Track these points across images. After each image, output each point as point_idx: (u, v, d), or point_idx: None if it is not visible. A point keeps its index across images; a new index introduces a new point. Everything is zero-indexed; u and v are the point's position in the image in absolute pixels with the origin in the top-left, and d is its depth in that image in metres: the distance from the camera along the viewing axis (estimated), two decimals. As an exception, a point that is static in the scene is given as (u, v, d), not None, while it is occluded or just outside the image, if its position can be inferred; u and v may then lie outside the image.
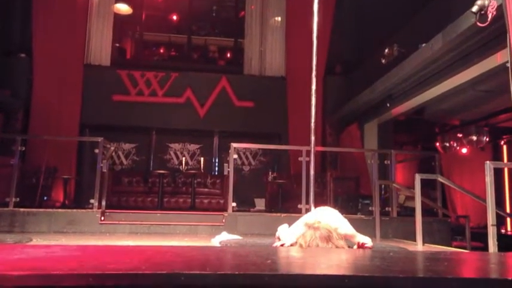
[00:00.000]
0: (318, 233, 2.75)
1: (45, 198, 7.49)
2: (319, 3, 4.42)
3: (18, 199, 6.12)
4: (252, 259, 1.80)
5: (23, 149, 6.64)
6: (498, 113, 8.21)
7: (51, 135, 8.29)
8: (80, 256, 1.84)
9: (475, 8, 4.31)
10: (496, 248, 3.78)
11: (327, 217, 3.07)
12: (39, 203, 6.87)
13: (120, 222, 6.18)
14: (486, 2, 4.21)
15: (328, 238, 2.74)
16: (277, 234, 3.64)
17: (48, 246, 2.93)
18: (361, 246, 3.28)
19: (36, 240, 4.53)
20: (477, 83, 5.98)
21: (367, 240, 3.12)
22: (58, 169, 7.96)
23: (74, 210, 6.24)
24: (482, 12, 4.27)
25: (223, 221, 6.21)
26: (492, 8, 4.15)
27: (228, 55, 11.79)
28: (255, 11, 10.41)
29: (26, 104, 8.92)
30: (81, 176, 8.91)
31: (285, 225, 3.86)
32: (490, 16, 4.20)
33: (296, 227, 3.23)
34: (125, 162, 9.94)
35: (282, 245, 3.18)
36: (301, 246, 2.80)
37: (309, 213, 3.67)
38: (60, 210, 6.30)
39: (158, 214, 6.61)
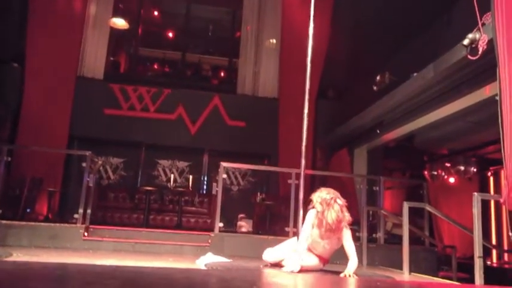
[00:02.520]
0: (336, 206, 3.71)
1: (28, 210, 7.33)
2: (314, 28, 4.49)
3: (0, 211, 5.97)
4: (237, 284, 1.77)
5: (9, 159, 6.51)
6: (486, 144, 8.32)
7: (39, 146, 8.17)
8: (60, 276, 1.78)
9: (466, 41, 4.41)
10: (483, 281, 3.76)
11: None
12: (21, 216, 6.71)
13: (104, 239, 6.05)
14: (477, 36, 4.31)
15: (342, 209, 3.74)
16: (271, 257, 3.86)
17: (29, 263, 2.85)
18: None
19: (17, 255, 4.39)
20: (466, 114, 6.07)
21: None
22: (43, 181, 7.82)
23: (57, 224, 6.10)
24: (473, 45, 4.36)
25: (209, 241, 6.11)
26: (483, 42, 4.24)
27: (222, 74, 11.86)
28: (250, 32, 10.53)
29: (15, 113, 8.82)
30: (66, 189, 8.75)
31: (269, 249, 4.01)
32: (480, 50, 4.29)
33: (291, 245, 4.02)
34: (112, 176, 9.82)
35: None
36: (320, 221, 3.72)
37: (289, 240, 3.88)
38: (42, 224, 6.15)
39: (143, 232, 6.50)
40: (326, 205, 3.73)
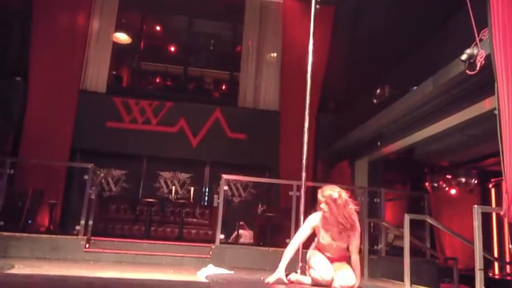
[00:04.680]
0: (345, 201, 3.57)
1: (29, 222, 7.34)
2: (314, 42, 4.56)
3: (2, 222, 6.00)
4: (239, 297, 1.79)
5: (12, 171, 6.55)
6: (487, 157, 8.34)
7: (41, 159, 8.22)
8: (64, 288, 1.81)
9: (464, 57, 4.47)
10: (484, 293, 3.76)
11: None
12: (23, 227, 6.72)
13: (105, 251, 6.06)
14: (475, 51, 4.37)
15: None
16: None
17: (31, 275, 2.87)
18: None
19: (19, 267, 4.40)
20: (466, 127, 6.12)
21: None
22: (45, 193, 7.85)
23: (59, 236, 6.11)
24: (471, 60, 4.42)
25: (210, 253, 6.12)
26: (481, 57, 4.31)
27: (223, 87, 11.95)
28: (251, 47, 10.64)
29: (18, 126, 8.88)
30: (68, 201, 8.77)
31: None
32: (478, 65, 4.35)
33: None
34: (113, 188, 9.84)
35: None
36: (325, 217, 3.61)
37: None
38: (44, 235, 6.17)
39: (144, 244, 6.50)
40: (334, 203, 3.56)
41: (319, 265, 3.64)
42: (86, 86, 9.83)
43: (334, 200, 3.54)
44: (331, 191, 3.61)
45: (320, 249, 3.79)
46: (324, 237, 3.69)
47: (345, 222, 3.53)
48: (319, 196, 3.67)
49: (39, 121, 8.92)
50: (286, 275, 3.77)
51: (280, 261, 3.67)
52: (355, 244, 3.65)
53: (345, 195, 3.62)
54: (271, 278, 3.61)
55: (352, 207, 3.62)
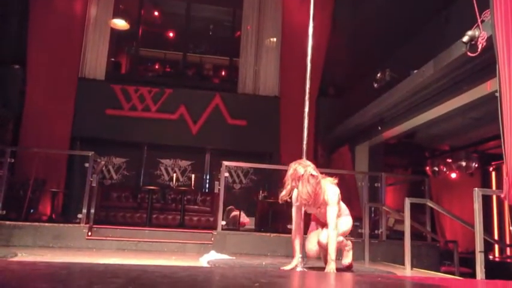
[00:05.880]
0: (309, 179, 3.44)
1: (31, 211, 7.38)
2: (314, 26, 4.51)
3: (4, 212, 6.02)
4: (240, 281, 1.80)
5: (12, 160, 6.56)
6: (487, 140, 8.33)
7: (41, 147, 8.22)
8: (65, 275, 1.81)
9: (465, 38, 4.42)
10: (484, 275, 3.79)
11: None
12: (25, 216, 6.76)
13: (107, 238, 6.10)
14: (476, 33, 4.32)
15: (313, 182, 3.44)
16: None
17: (34, 263, 2.89)
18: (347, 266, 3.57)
19: (22, 255, 4.44)
20: (467, 110, 6.09)
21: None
22: (47, 182, 7.87)
23: (61, 224, 6.15)
24: (473, 42, 4.37)
25: (212, 239, 6.16)
26: (482, 39, 4.26)
27: (223, 73, 11.88)
28: (251, 32, 10.54)
29: (18, 115, 8.87)
30: (69, 189, 8.81)
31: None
32: (480, 47, 4.30)
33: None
34: (114, 176, 9.87)
35: None
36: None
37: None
38: (46, 224, 6.20)
39: (146, 231, 6.54)
40: (296, 181, 3.45)
41: (307, 242, 3.79)
42: (85, 73, 9.78)
43: (299, 177, 3.45)
44: (297, 168, 3.49)
45: (314, 219, 3.92)
46: (308, 209, 3.74)
47: (307, 197, 3.43)
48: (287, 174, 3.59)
49: (38, 109, 8.90)
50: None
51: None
52: (328, 217, 3.57)
53: (310, 170, 3.47)
54: (287, 267, 3.67)
55: (312, 182, 3.44)
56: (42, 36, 9.13)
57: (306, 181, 3.43)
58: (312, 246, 3.73)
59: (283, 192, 3.55)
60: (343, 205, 3.84)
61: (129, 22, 10.44)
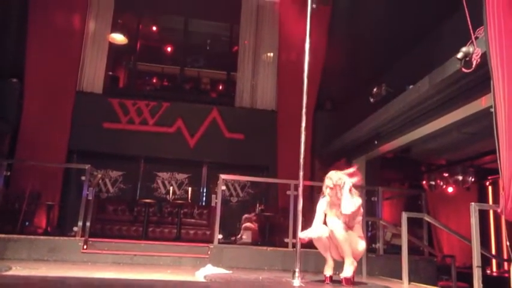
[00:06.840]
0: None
1: (26, 223, 7.32)
2: (310, 41, 4.55)
3: (-1, 225, 5.98)
4: (237, 297, 1.78)
5: (8, 173, 6.53)
6: (484, 154, 8.36)
7: (38, 160, 8.19)
8: (61, 289, 1.80)
9: (460, 55, 4.48)
10: (481, 290, 3.78)
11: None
12: (20, 229, 6.70)
13: (103, 252, 6.05)
14: (471, 50, 4.38)
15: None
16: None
17: (28, 277, 2.86)
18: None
19: (16, 269, 4.39)
20: (462, 125, 6.12)
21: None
22: (42, 194, 7.83)
23: (56, 237, 6.10)
24: (467, 58, 4.43)
25: (209, 253, 6.12)
26: (476, 55, 4.32)
27: (220, 87, 11.94)
28: (248, 46, 10.64)
29: (15, 128, 8.86)
30: (65, 202, 8.76)
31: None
32: (474, 63, 4.36)
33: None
34: (111, 189, 9.83)
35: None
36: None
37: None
38: (41, 237, 6.14)
39: (142, 244, 6.49)
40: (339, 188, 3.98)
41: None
42: (83, 86, 9.81)
43: (342, 186, 3.96)
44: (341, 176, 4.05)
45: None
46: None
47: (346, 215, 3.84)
48: (329, 181, 4.06)
49: (35, 122, 8.90)
50: None
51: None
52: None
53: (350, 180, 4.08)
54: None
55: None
56: (40, 49, 9.17)
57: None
58: (324, 233, 3.91)
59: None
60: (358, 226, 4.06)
61: (128, 37, 10.54)
